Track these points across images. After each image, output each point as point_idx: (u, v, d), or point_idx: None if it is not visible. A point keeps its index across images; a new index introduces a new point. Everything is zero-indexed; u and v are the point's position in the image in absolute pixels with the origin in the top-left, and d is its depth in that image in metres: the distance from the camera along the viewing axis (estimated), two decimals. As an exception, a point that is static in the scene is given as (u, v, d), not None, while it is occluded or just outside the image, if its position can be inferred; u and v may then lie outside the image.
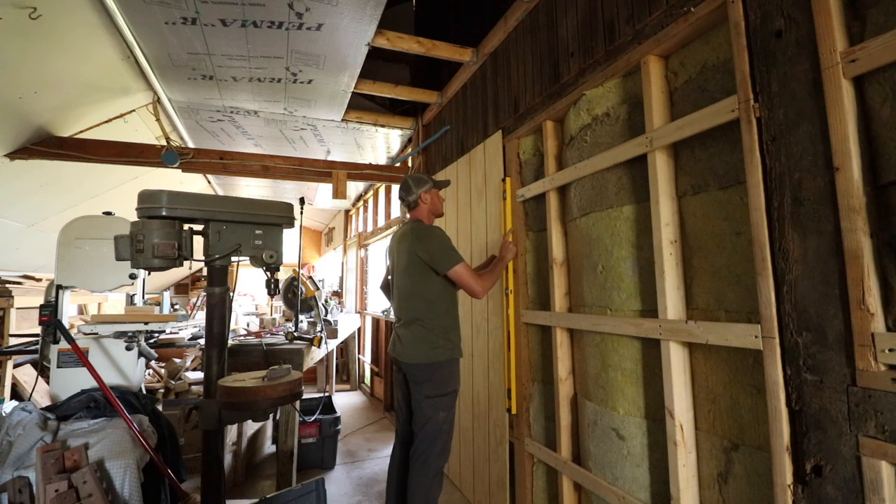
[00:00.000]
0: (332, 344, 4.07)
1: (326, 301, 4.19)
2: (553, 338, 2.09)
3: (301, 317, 3.75)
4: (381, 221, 5.48)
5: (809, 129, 1.09)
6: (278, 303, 7.28)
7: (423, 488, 2.03)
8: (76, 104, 2.96)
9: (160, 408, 2.63)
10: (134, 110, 3.32)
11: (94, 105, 3.07)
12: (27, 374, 3.79)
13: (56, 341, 2.43)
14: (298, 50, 2.64)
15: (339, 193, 3.79)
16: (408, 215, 2.29)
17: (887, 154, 0.99)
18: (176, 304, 5.18)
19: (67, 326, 2.42)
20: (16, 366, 3.68)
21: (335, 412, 3.75)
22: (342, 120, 3.69)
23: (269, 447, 3.94)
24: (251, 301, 8.44)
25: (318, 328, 3.62)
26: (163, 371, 4.28)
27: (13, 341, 3.53)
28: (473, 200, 2.94)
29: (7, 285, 3.74)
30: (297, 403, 2.46)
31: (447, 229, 3.38)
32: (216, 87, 3.07)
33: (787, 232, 1.13)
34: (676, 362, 1.45)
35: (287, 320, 4.26)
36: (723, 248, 1.38)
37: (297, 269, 3.70)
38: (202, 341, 2.45)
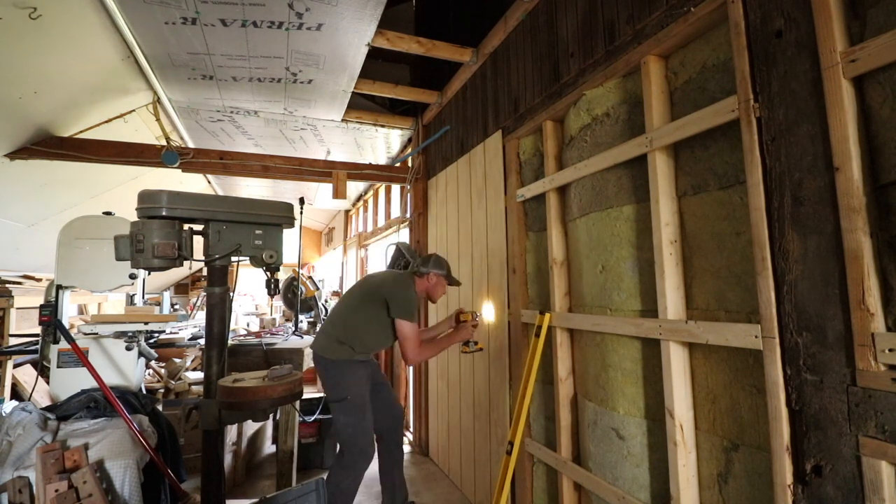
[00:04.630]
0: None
1: (326, 301, 4.20)
2: (553, 338, 2.09)
3: (301, 317, 3.75)
4: (381, 221, 5.48)
5: (809, 129, 1.09)
6: (278, 303, 7.27)
7: (334, 479, 2.23)
8: (76, 104, 2.96)
9: (160, 408, 2.63)
10: (134, 110, 3.32)
11: (94, 105, 3.06)
12: (27, 374, 3.79)
13: (56, 341, 2.43)
14: (298, 50, 2.64)
15: (339, 193, 3.78)
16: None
17: (887, 154, 0.99)
18: (176, 304, 5.19)
19: (67, 326, 2.42)
20: (16, 366, 3.68)
21: (335, 412, 3.74)
22: (342, 120, 3.69)
23: (269, 447, 3.93)
24: (251, 301, 8.44)
25: (318, 328, 3.62)
26: (163, 371, 4.29)
27: (13, 341, 3.53)
28: (474, 200, 2.94)
29: (7, 285, 3.74)
30: (297, 403, 2.46)
31: (447, 230, 3.39)
32: (216, 87, 3.06)
33: (787, 232, 1.13)
34: (676, 362, 1.45)
35: (287, 320, 4.26)
36: (723, 248, 1.38)
37: (297, 269, 3.71)
38: (202, 341, 2.45)
